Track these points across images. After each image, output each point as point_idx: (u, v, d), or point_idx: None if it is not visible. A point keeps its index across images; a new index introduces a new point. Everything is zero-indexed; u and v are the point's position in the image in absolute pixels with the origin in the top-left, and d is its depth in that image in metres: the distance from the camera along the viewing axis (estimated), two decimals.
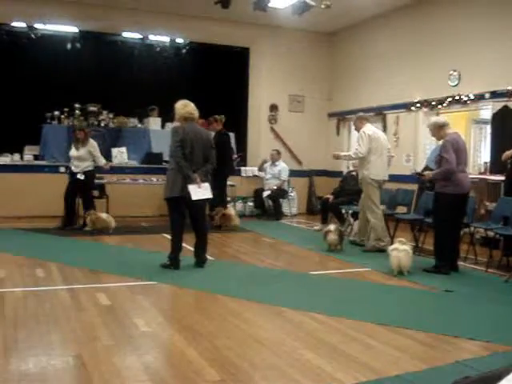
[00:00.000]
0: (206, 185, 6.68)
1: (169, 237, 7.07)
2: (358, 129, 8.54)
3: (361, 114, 9.01)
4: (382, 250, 7.86)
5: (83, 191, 9.65)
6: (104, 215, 9.47)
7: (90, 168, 9.63)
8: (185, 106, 6.71)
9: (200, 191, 6.57)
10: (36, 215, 10.31)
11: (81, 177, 9.46)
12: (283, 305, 5.28)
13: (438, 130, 6.99)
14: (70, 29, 12.56)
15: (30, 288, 5.69)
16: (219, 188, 9.63)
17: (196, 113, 6.74)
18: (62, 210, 9.58)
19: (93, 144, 9.71)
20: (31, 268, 6.60)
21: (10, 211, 10.41)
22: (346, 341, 4.35)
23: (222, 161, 9.34)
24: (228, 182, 11.15)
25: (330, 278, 6.67)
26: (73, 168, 9.62)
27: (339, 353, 4.07)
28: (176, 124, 6.87)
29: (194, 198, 6.52)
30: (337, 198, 10.31)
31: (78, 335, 4.30)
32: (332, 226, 8.30)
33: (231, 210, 10.35)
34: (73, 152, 9.62)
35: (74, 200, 9.67)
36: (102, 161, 9.80)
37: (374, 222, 8.23)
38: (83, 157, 9.55)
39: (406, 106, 11.16)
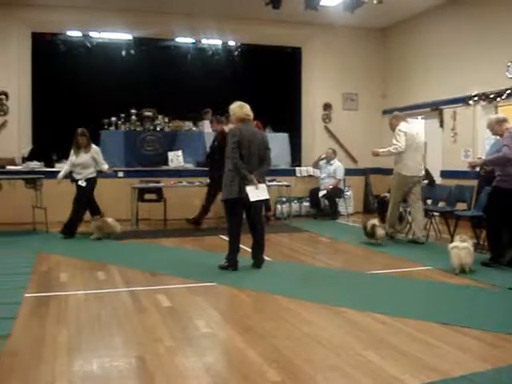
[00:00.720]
0: (263, 186, 6.70)
1: (226, 238, 7.12)
2: (393, 127, 8.81)
3: (396, 112, 9.24)
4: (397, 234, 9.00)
5: (87, 198, 9.23)
6: (109, 220, 9.16)
7: (94, 175, 9.27)
8: (241, 108, 6.74)
9: (258, 192, 6.58)
10: None
11: (82, 183, 9.08)
12: (342, 305, 5.24)
13: (497, 125, 6.98)
14: (124, 36, 12.84)
15: (91, 291, 5.82)
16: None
17: (251, 114, 6.76)
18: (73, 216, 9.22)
19: (96, 149, 9.37)
20: (92, 271, 6.76)
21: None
22: (408, 341, 4.27)
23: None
24: (283, 183, 11.15)
25: (388, 277, 6.58)
26: (74, 175, 9.21)
27: (402, 353, 4.00)
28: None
29: (252, 199, 6.54)
30: None
31: (139, 337, 4.37)
32: (376, 220, 8.67)
33: None
34: (75, 159, 9.17)
35: (85, 207, 9.32)
36: (105, 166, 9.41)
37: (391, 212, 8.90)
38: (87, 163, 9.17)
39: (464, 100, 10.89)
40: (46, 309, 5.13)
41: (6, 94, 11.53)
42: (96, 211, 9.35)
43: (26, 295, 5.56)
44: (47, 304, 5.29)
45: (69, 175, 9.33)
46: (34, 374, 3.62)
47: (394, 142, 8.60)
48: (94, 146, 9.36)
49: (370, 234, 8.49)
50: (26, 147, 11.49)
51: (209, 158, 10.43)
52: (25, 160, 11.06)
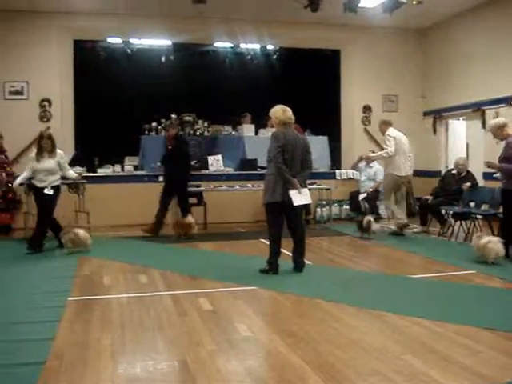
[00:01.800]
0: (306, 190, 6.68)
1: (266, 242, 7.12)
2: (382, 132, 9.88)
3: (384, 118, 10.27)
4: (405, 225, 9.72)
5: (50, 209, 8.35)
6: (81, 231, 8.38)
7: (58, 182, 8.42)
8: (284, 111, 6.73)
9: (301, 197, 6.57)
10: (138, 223, 10.65)
11: (49, 191, 8.15)
12: (383, 309, 5.18)
13: (499, 130, 7.55)
14: (164, 42, 12.98)
15: (134, 294, 5.89)
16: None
17: (293, 118, 6.76)
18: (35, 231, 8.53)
19: (61, 154, 8.48)
20: (134, 274, 6.85)
21: (112, 220, 10.83)
22: (451, 346, 4.20)
23: (180, 166, 9.90)
24: (323, 186, 11.09)
25: (430, 281, 6.47)
26: (35, 182, 8.26)
27: (445, 358, 3.93)
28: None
29: (295, 203, 6.53)
30: (436, 198, 10.00)
31: (181, 340, 4.40)
32: (371, 217, 9.69)
33: (190, 218, 9.77)
34: (36, 164, 8.20)
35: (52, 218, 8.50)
36: (72, 174, 8.73)
37: (393, 208, 9.81)
38: (52, 169, 8.25)
39: (507, 101, 10.67)
40: (89, 312, 5.22)
41: (49, 101, 11.77)
42: (57, 227, 8.57)
43: (70, 299, 5.65)
44: (90, 307, 5.38)
45: (26, 183, 8.56)
46: (79, 376, 3.68)
47: (385, 146, 9.66)
48: (58, 150, 8.46)
49: (366, 228, 9.40)
50: (69, 153, 11.69)
51: (163, 163, 10.40)
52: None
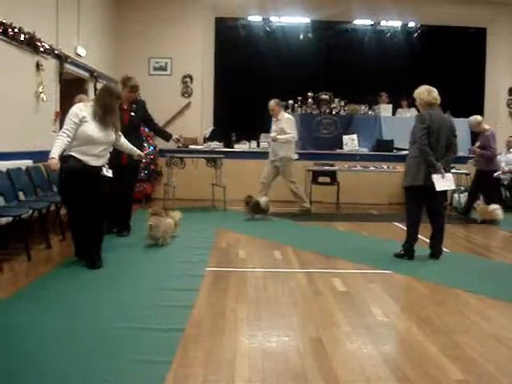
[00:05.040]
0: (450, 175, 6.43)
1: (399, 225, 6.97)
2: (276, 113, 9.69)
3: (276, 100, 9.80)
4: (308, 211, 9.71)
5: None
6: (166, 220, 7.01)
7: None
8: (430, 92, 6.47)
9: (444, 182, 6.34)
10: (270, 200, 10.79)
11: (108, 173, 5.92)
12: None
13: (477, 125, 9.78)
14: (302, 20, 12.95)
15: (269, 269, 5.99)
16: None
17: (439, 99, 6.50)
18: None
19: None
20: (269, 250, 6.96)
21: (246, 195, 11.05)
22: None
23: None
24: (462, 171, 10.64)
25: None
26: (84, 157, 5.67)
27: None
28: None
29: (438, 188, 6.31)
30: None
31: (316, 319, 4.42)
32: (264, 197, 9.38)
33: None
34: (92, 129, 5.65)
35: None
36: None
37: (298, 189, 9.69)
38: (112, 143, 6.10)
39: None
40: (225, 283, 5.38)
41: (190, 77, 12.19)
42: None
43: (207, 269, 5.86)
44: (227, 278, 5.54)
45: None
46: (216, 346, 3.79)
47: (289, 131, 9.52)
48: None
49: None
50: (208, 128, 12.07)
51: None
52: (206, 140, 11.62)
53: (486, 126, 9.79)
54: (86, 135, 5.60)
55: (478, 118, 9.87)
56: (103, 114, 5.71)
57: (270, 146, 9.99)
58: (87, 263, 5.76)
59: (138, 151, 6.73)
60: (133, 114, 7.49)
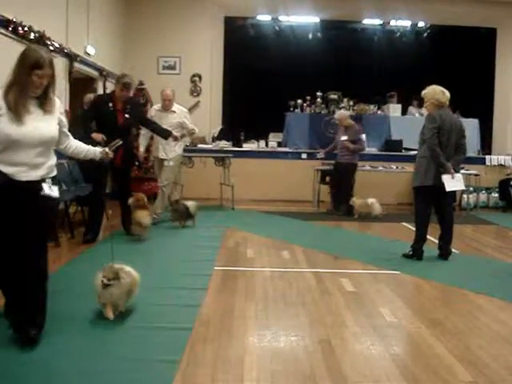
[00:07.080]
0: (459, 176, 6.42)
1: (408, 226, 6.94)
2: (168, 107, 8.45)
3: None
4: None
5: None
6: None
7: None
8: (444, 93, 6.43)
9: (454, 182, 6.33)
10: (279, 199, 10.81)
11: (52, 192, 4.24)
12: None
13: (345, 120, 9.93)
14: (312, 19, 12.92)
15: (277, 268, 5.99)
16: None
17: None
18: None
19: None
20: (277, 249, 6.95)
21: (255, 194, 11.08)
22: None
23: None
24: (471, 171, 10.59)
25: None
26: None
27: None
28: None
29: (448, 188, 6.30)
30: None
31: (325, 319, 4.41)
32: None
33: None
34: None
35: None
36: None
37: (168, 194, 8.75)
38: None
39: None
40: (234, 282, 5.38)
41: (199, 76, 12.20)
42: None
43: (216, 268, 5.86)
44: (235, 278, 5.55)
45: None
46: (224, 345, 3.79)
47: (192, 125, 8.63)
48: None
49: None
50: (217, 127, 12.07)
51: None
52: (215, 139, 11.61)
53: (352, 121, 10.02)
54: (3, 135, 3.54)
55: (347, 113, 10.35)
56: (15, 97, 3.56)
57: None
58: (20, 337, 3.66)
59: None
60: (127, 116, 7.08)
